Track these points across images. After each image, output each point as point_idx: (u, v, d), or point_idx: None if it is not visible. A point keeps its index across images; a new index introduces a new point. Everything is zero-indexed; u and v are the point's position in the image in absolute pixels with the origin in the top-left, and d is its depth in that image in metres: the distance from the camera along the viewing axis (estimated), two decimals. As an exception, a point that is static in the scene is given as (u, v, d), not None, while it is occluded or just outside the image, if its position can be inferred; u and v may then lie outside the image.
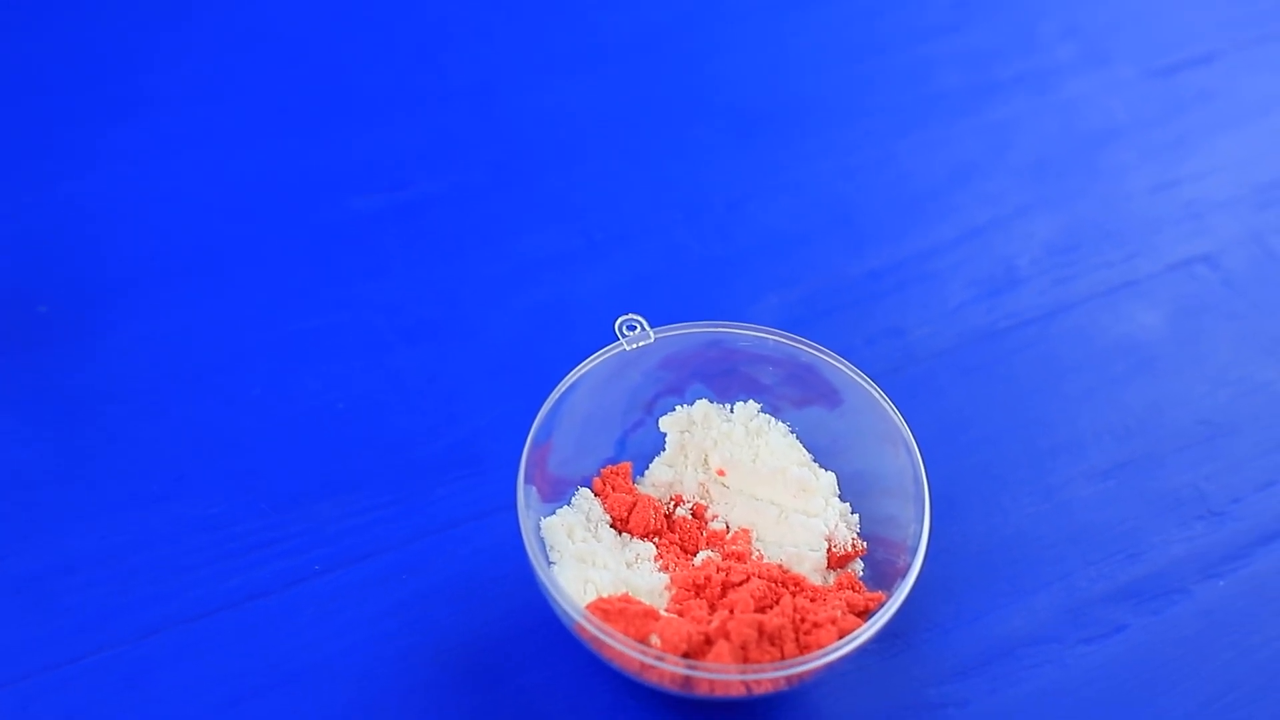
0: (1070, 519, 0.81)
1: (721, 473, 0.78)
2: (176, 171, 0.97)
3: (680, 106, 1.05)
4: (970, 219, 0.98)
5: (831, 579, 0.75)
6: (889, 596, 0.70)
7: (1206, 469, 0.84)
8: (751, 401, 0.80)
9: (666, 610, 0.71)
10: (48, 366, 0.85)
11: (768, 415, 0.80)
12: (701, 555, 0.75)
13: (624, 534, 0.76)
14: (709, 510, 0.78)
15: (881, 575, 0.75)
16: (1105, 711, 0.74)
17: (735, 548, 0.75)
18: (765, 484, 0.77)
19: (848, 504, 0.77)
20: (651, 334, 0.77)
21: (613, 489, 0.77)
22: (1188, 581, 0.79)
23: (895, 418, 0.75)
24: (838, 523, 0.76)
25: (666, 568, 0.74)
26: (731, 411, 0.80)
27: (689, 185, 1.00)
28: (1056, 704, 0.74)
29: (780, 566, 0.74)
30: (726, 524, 0.77)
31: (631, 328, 0.77)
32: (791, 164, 1.01)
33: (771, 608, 0.71)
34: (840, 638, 0.68)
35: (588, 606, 0.69)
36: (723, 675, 0.67)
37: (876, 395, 0.76)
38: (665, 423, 0.79)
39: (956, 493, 0.82)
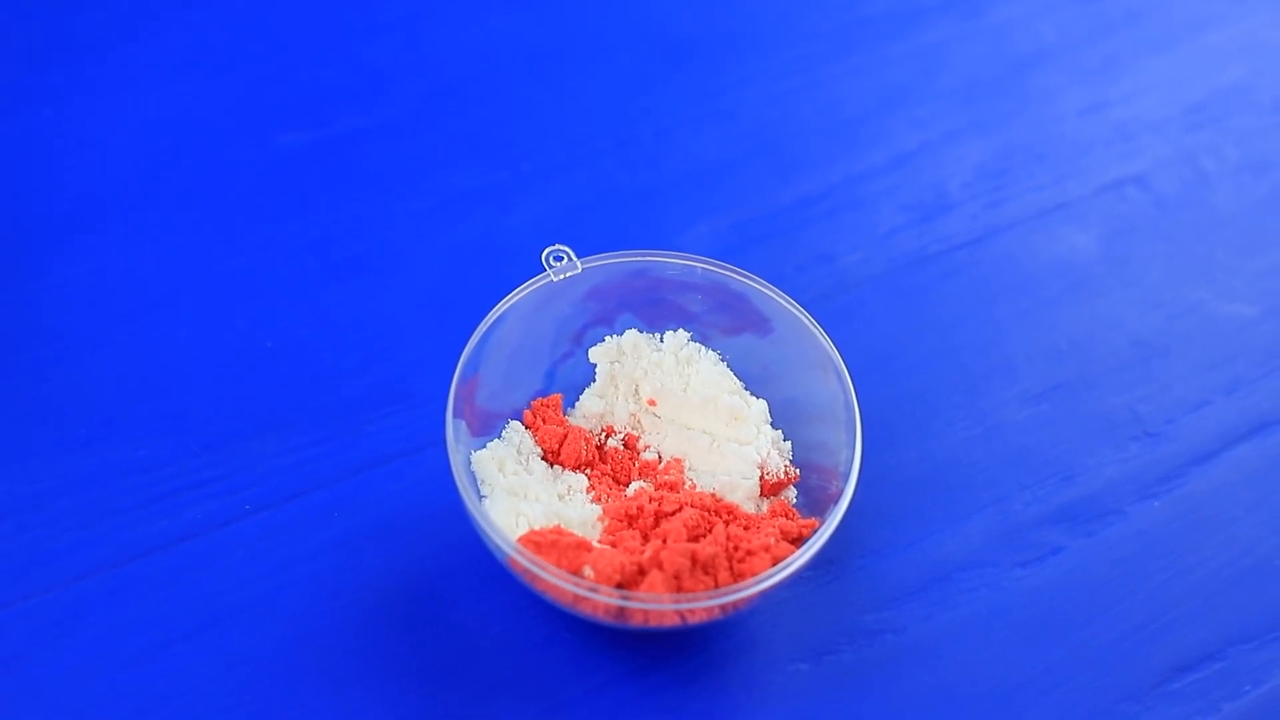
0: (1004, 443, 0.81)
1: (652, 403, 0.78)
2: (100, 113, 0.95)
3: (607, 35, 1.04)
4: (901, 144, 0.98)
5: (765, 507, 0.75)
6: (822, 523, 0.70)
7: (1140, 391, 0.84)
8: (681, 330, 0.79)
9: (599, 542, 0.71)
10: (-29, 311, 0.84)
11: (698, 344, 0.79)
12: (634, 486, 0.75)
13: (555, 466, 0.76)
14: (641, 440, 0.78)
15: (815, 502, 0.75)
16: (1041, 634, 0.74)
17: (668, 478, 0.75)
18: (697, 413, 0.77)
19: (780, 431, 0.77)
20: (579, 264, 0.76)
21: (543, 421, 0.77)
22: (1123, 503, 0.79)
23: (826, 344, 0.75)
24: (770, 450, 0.76)
25: (599, 499, 0.74)
26: (661, 341, 0.79)
27: (617, 115, 0.99)
28: (993, 627, 0.74)
29: (713, 495, 0.74)
30: (659, 454, 0.77)
31: (559, 258, 0.76)
32: (720, 92, 1.01)
33: (704, 536, 0.70)
34: (774, 565, 0.68)
35: (519, 539, 0.69)
36: (656, 605, 0.67)
37: (807, 322, 0.76)
38: (595, 354, 0.79)
39: (890, 419, 0.82)
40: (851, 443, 0.72)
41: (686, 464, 0.77)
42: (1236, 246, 0.93)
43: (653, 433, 0.78)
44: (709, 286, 0.79)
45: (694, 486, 0.75)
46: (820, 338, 0.75)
